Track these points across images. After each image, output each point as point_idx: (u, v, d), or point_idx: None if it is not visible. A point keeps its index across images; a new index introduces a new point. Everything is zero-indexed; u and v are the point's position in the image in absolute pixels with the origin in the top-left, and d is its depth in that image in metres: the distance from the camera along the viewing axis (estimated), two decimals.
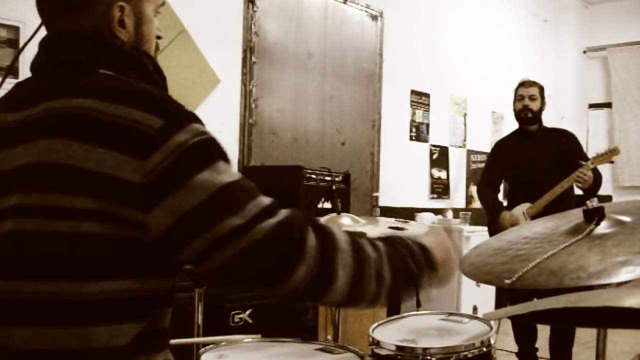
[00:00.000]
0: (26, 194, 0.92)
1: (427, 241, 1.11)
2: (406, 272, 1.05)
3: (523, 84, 3.84)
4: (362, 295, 1.01)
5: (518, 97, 3.80)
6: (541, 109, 3.77)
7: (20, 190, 0.92)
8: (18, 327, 0.90)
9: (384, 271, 1.02)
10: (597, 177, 3.59)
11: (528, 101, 3.73)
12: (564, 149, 3.73)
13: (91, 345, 0.90)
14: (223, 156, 0.96)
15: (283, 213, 0.96)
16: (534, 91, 3.77)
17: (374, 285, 1.01)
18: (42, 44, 1.05)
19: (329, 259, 0.96)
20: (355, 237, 1.02)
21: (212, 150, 0.95)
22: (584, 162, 3.52)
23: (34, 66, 1.05)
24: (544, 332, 3.69)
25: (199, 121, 0.96)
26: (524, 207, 3.70)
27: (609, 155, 3.62)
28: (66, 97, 0.94)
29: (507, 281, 1.19)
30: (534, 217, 3.57)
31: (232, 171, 0.95)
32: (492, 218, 3.85)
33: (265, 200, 0.96)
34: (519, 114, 3.78)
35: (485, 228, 4.04)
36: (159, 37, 1.15)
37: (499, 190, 3.98)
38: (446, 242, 1.14)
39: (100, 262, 0.90)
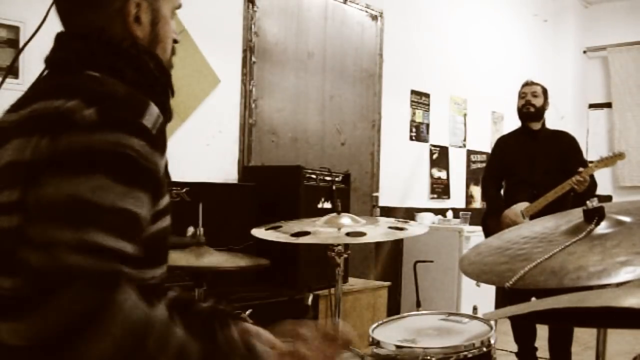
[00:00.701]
0: (1, 192, 0.95)
1: None
2: None
3: (526, 84, 3.91)
4: None
5: (521, 95, 3.86)
6: (544, 107, 3.80)
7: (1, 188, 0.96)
8: (3, 322, 0.91)
9: None
10: (591, 185, 3.59)
11: (530, 97, 3.80)
12: (564, 151, 3.75)
13: None
14: (124, 177, 0.88)
15: (109, 274, 0.83)
16: (537, 89, 3.83)
17: None
18: (54, 40, 1.07)
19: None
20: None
21: (116, 165, 0.88)
22: (582, 169, 3.52)
23: (45, 62, 1.08)
24: (543, 332, 3.69)
25: (140, 136, 0.90)
26: (522, 206, 3.70)
27: (614, 159, 3.60)
28: (46, 99, 0.95)
29: (507, 284, 1.19)
30: (531, 217, 3.57)
31: (113, 198, 0.86)
32: (491, 212, 3.86)
33: (107, 242, 0.84)
34: (522, 109, 3.82)
35: None
36: (175, 41, 1.15)
37: (501, 186, 3.99)
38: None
39: None
